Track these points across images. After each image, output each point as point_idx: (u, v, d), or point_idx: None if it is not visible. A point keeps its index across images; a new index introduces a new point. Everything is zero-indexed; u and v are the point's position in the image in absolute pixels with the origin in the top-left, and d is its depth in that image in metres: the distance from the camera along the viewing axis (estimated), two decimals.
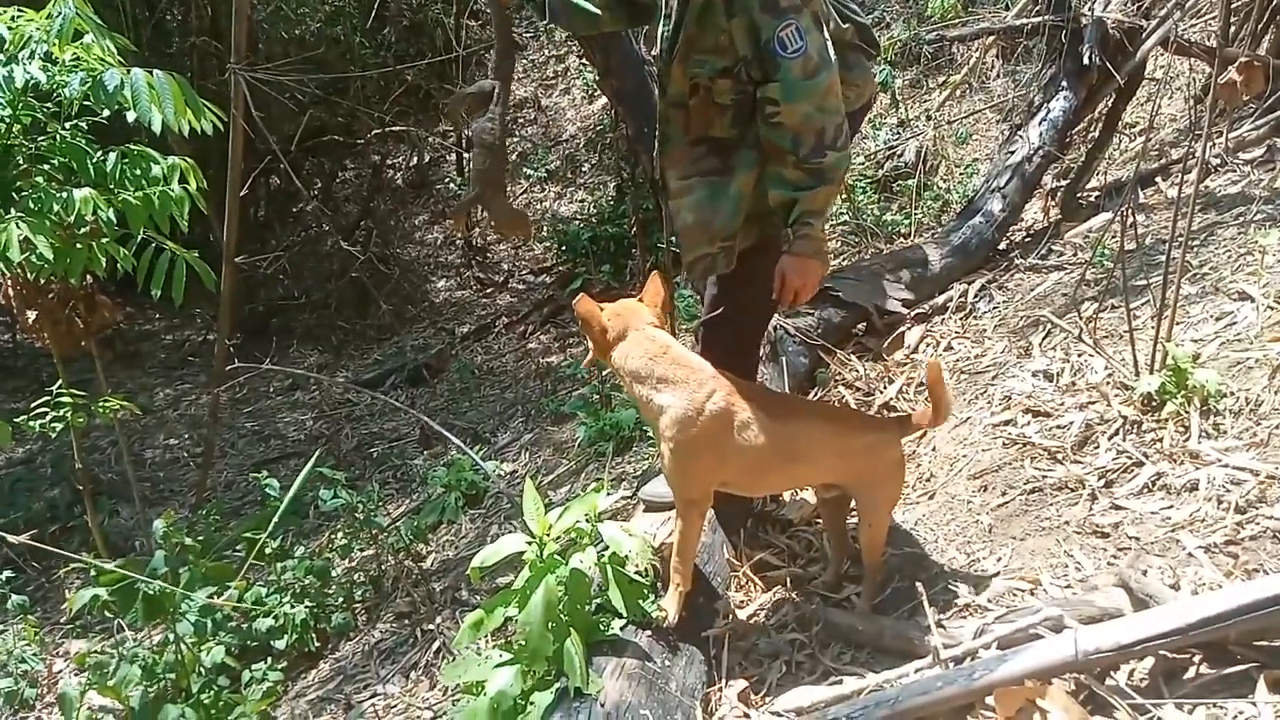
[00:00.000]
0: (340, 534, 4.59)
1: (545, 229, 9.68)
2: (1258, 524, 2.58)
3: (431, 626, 3.94)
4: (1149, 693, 2.13)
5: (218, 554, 4.27)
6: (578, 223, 8.84)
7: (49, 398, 3.87)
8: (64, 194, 3.12)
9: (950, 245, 5.25)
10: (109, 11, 5.97)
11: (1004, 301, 4.76)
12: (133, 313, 9.10)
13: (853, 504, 2.88)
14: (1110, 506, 2.91)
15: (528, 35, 12.31)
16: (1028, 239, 5.60)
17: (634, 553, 2.48)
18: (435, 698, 3.50)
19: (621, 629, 2.54)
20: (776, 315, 4.24)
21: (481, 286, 9.60)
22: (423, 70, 9.27)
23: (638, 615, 2.56)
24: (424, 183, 11.11)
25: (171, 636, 3.27)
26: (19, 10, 3.11)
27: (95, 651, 3.44)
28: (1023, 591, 2.70)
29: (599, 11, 2.74)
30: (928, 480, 3.54)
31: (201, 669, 3.30)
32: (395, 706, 3.58)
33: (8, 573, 4.08)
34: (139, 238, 3.36)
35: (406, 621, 4.10)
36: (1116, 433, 3.20)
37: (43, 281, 3.94)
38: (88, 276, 3.88)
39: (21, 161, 3.28)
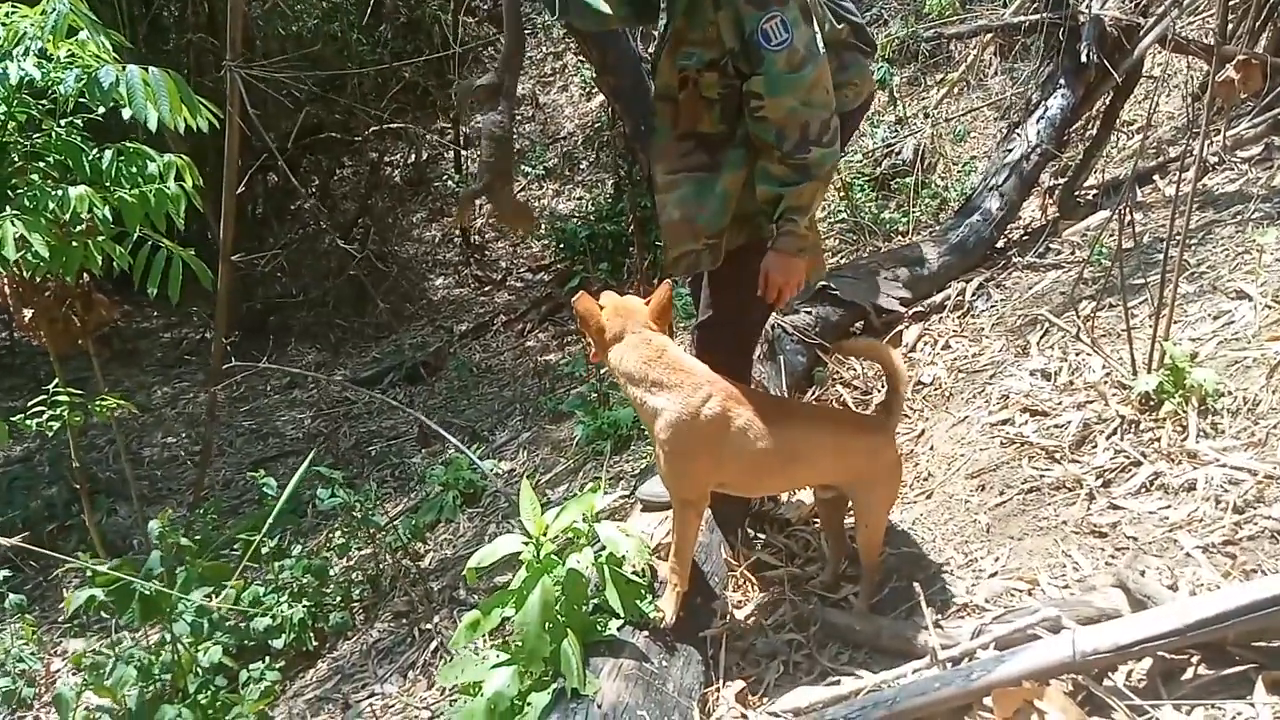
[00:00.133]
0: (338, 533, 4.58)
1: (543, 226, 9.66)
2: (1255, 524, 2.58)
3: (429, 626, 3.94)
4: (1147, 694, 2.13)
5: (215, 553, 4.26)
6: (575, 220, 8.83)
7: (46, 396, 3.86)
8: (59, 192, 3.11)
9: (948, 244, 5.24)
10: (105, 8, 5.95)
11: (1002, 300, 4.76)
12: (130, 311, 9.09)
13: (850, 504, 2.87)
14: (1108, 506, 2.91)
15: (525, 31, 12.29)
16: (1025, 237, 5.59)
17: (631, 553, 2.47)
18: (433, 697, 3.50)
19: (619, 629, 2.54)
20: (774, 314, 4.24)
21: (480, 284, 9.59)
22: (420, 67, 9.25)
23: (635, 615, 2.56)
24: (422, 180, 11.09)
25: (168, 636, 3.26)
26: (13, 6, 3.10)
27: (92, 651, 3.42)
28: (1020, 592, 2.70)
29: (609, 11, 2.72)
30: (925, 479, 3.53)
31: (198, 669, 3.29)
32: (393, 706, 3.58)
33: (5, 572, 4.07)
34: (135, 236, 3.35)
35: (404, 621, 4.10)
36: (1114, 432, 3.20)
37: (39, 280, 3.93)
38: (84, 275, 3.88)
39: (16, 159, 3.27)
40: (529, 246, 9.89)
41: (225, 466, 6.92)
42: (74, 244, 3.29)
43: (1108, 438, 3.19)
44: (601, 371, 4.93)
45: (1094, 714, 2.13)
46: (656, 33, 2.84)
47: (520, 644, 2.36)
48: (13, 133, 3.25)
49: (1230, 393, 3.09)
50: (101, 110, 3.10)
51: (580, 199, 9.95)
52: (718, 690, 2.63)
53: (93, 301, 4.27)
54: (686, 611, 2.67)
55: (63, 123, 3.31)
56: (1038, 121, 5.55)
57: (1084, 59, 5.36)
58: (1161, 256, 3.55)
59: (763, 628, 2.91)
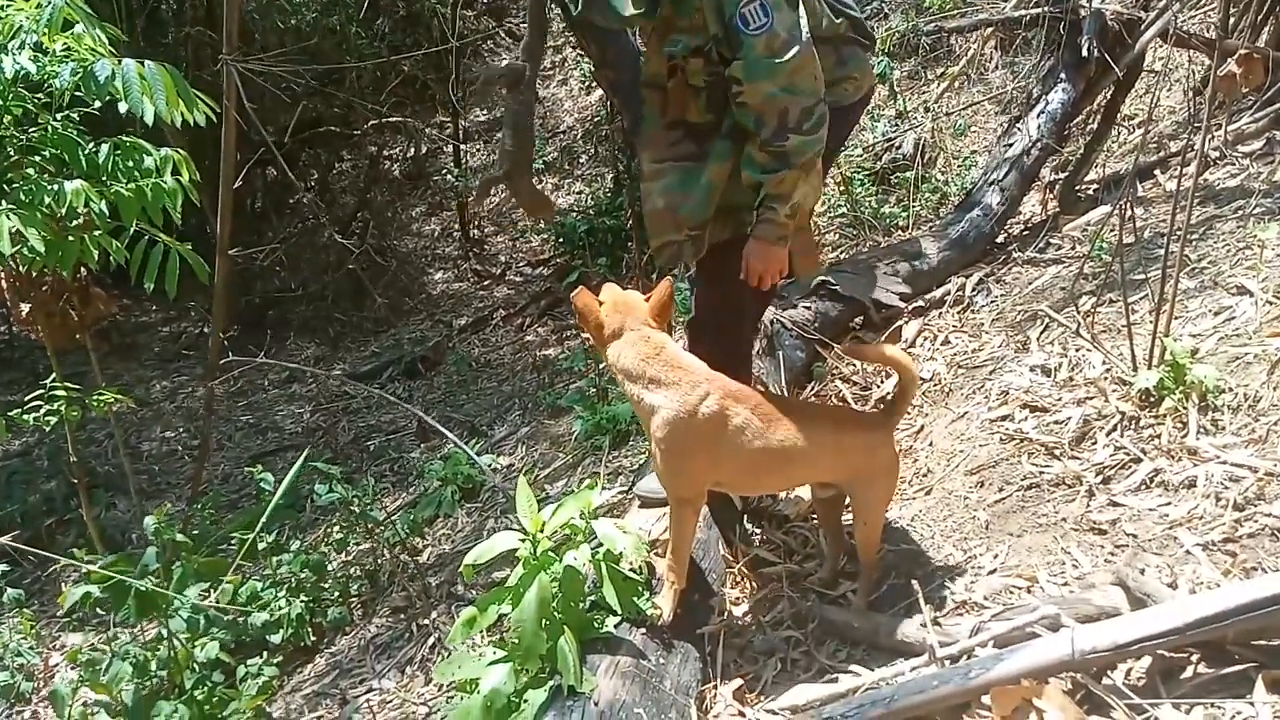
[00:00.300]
0: (336, 528, 4.58)
1: (542, 220, 9.65)
2: (1256, 521, 2.57)
3: (427, 621, 3.94)
4: (1146, 692, 2.12)
5: (212, 548, 4.26)
6: (575, 215, 8.81)
7: (43, 391, 3.86)
8: (55, 186, 3.10)
9: (948, 239, 5.22)
10: (102, 2, 5.92)
11: (1002, 295, 4.74)
12: (129, 305, 9.08)
13: (848, 501, 2.86)
14: (1108, 503, 2.90)
15: (524, 26, 12.25)
16: (1026, 232, 5.58)
17: (628, 550, 2.47)
18: (431, 693, 3.50)
19: (616, 626, 2.53)
20: (772, 310, 4.23)
21: (479, 279, 9.57)
22: (419, 61, 9.22)
23: (632, 612, 2.55)
24: (421, 174, 11.07)
25: (164, 632, 3.25)
26: (8, 0, 3.08)
27: (89, 647, 3.41)
28: (1019, 589, 2.69)
29: (637, 10, 2.69)
30: (924, 476, 3.52)
31: (195, 665, 3.28)
32: (391, 702, 3.58)
33: (3, 566, 4.06)
34: (132, 230, 3.34)
35: (402, 616, 4.10)
36: (1114, 428, 3.18)
37: (36, 274, 3.92)
38: (82, 269, 3.87)
39: (12, 153, 3.26)
40: (528, 241, 9.88)
41: (224, 461, 6.92)
42: (70, 238, 3.29)
43: (1108, 434, 3.18)
44: (600, 366, 4.92)
45: (1093, 713, 2.12)
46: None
47: (517, 641, 2.35)
48: (8, 126, 3.24)
49: (1231, 389, 3.07)
50: (98, 104, 3.08)
51: (580, 193, 9.93)
52: (715, 688, 2.63)
53: (90, 296, 4.27)
54: (684, 608, 2.66)
55: (59, 116, 3.30)
56: (1038, 116, 5.53)
57: (1085, 53, 5.34)
58: (1162, 252, 3.53)
59: (761, 625, 2.91)
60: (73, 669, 3.56)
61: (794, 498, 3.44)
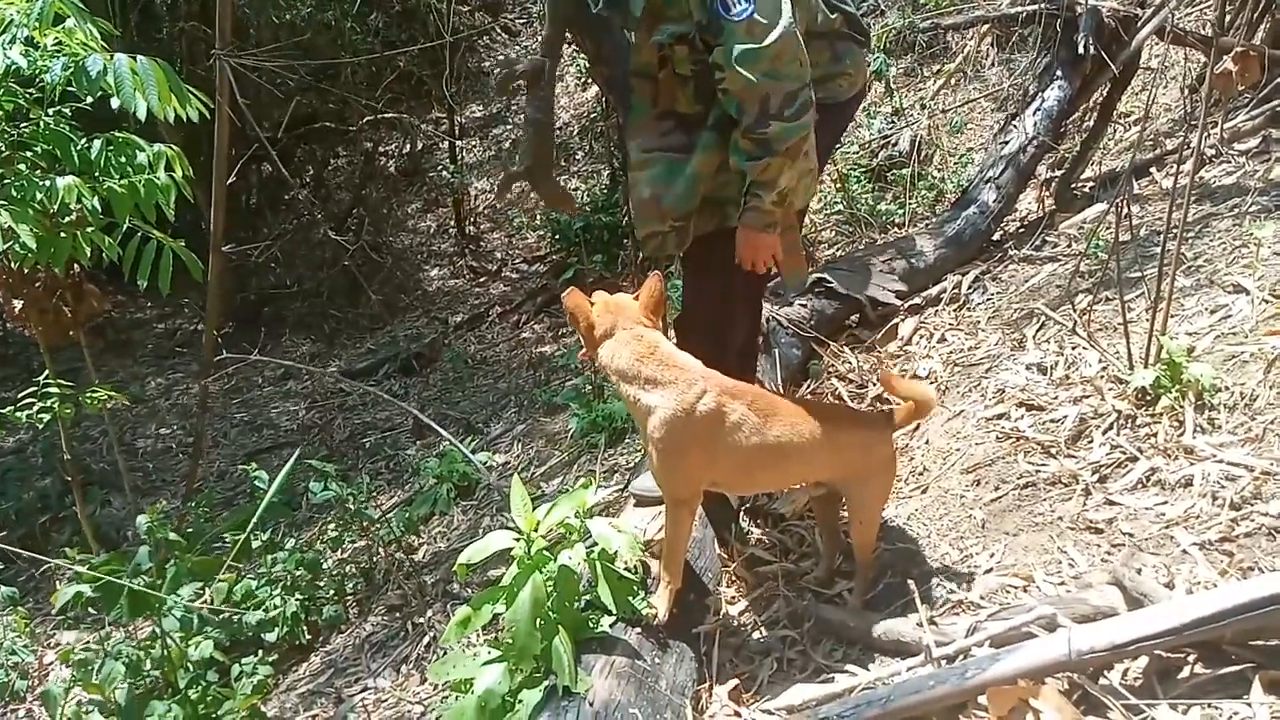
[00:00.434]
0: (332, 526, 4.57)
1: (538, 217, 9.64)
2: (1252, 520, 2.56)
3: (423, 620, 3.93)
4: (1143, 693, 2.12)
5: (207, 546, 4.24)
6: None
7: (36, 388, 3.84)
8: (47, 182, 3.08)
9: (944, 236, 5.22)
10: None
11: (998, 293, 4.73)
12: (124, 301, 9.07)
13: (844, 499, 2.85)
14: (1104, 502, 2.89)
15: (520, 21, 12.24)
16: (1022, 230, 5.57)
17: (623, 549, 2.45)
18: (426, 692, 3.49)
19: (611, 626, 2.52)
20: (767, 307, 4.22)
21: (475, 275, 9.56)
22: (415, 56, 9.19)
23: (627, 612, 2.54)
24: (417, 170, 11.05)
25: (158, 632, 3.24)
26: None
27: (83, 646, 3.39)
28: (1016, 588, 2.68)
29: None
30: (920, 474, 3.51)
31: (189, 664, 3.27)
32: (386, 700, 3.57)
33: None
34: (125, 226, 3.32)
35: (398, 614, 4.09)
36: (1110, 427, 3.17)
37: (28, 271, 3.90)
38: (75, 266, 3.85)
39: (3, 149, 3.24)
40: (524, 237, 9.87)
41: (219, 458, 6.91)
42: (62, 235, 3.27)
43: (1104, 433, 3.17)
44: (596, 364, 4.91)
45: (1089, 713, 2.11)
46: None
47: (511, 641, 2.34)
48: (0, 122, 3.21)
49: (1227, 388, 3.06)
50: (90, 100, 3.06)
51: (575, 190, 9.91)
52: (710, 688, 2.62)
53: (83, 293, 4.25)
54: (679, 608, 2.65)
55: (50, 112, 3.28)
56: (1035, 113, 5.53)
57: (1081, 50, 5.34)
58: (1158, 250, 3.52)
59: (756, 624, 2.90)
60: (66, 668, 3.55)
61: (790, 496, 3.43)
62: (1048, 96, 5.56)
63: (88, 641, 3.58)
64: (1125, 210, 3.45)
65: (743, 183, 2.66)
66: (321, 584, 4.23)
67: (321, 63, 7.73)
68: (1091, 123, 5.94)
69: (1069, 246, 4.96)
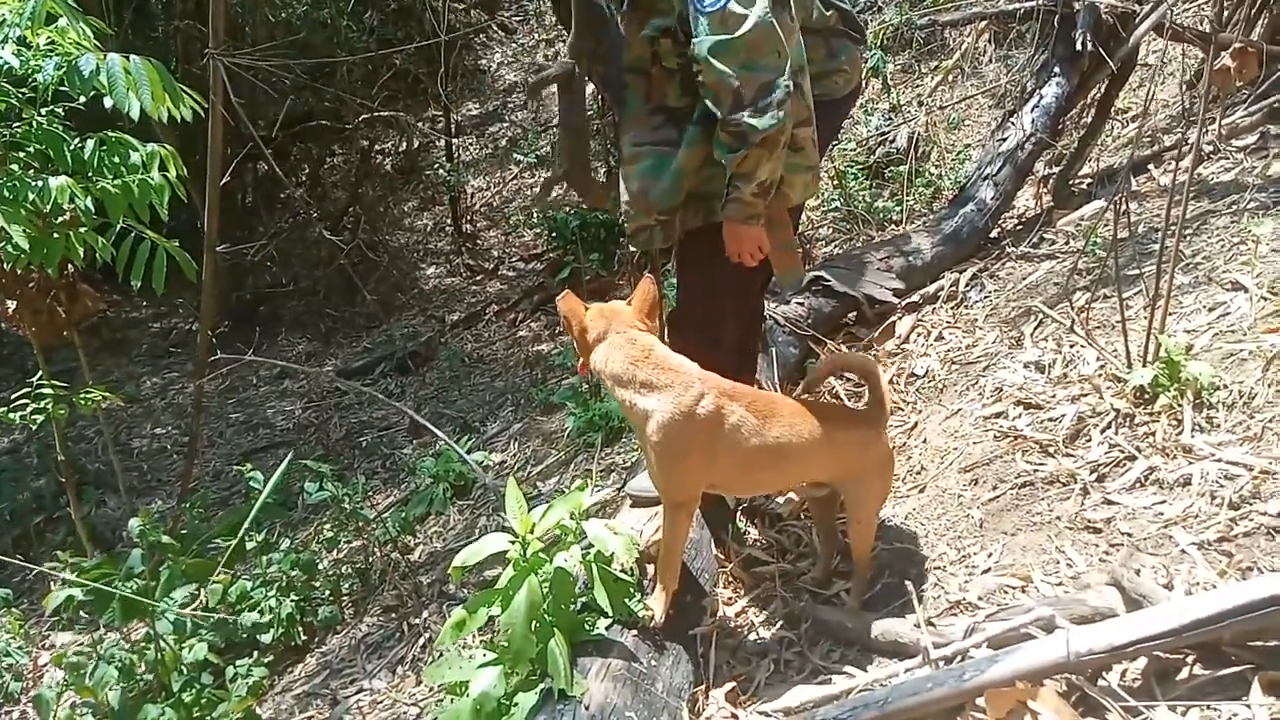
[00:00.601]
0: (327, 526, 4.55)
1: (535, 215, 9.62)
2: (1251, 520, 2.54)
3: (418, 621, 3.91)
4: (1141, 694, 2.10)
5: (203, 546, 4.23)
6: (567, 209, 8.77)
7: (29, 389, 3.82)
8: (40, 182, 3.06)
9: (942, 233, 5.21)
10: None
11: (995, 291, 4.72)
12: (119, 300, 9.04)
13: (842, 499, 2.84)
14: (1102, 501, 2.87)
15: (516, 19, 12.22)
16: (1019, 227, 5.56)
17: (619, 551, 2.44)
18: (422, 693, 3.47)
19: (607, 628, 2.51)
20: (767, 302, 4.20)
21: (471, 273, 9.54)
22: (411, 54, 9.17)
23: (623, 614, 2.53)
24: (413, 168, 11.02)
25: (151, 634, 3.22)
26: None
27: (75, 650, 3.38)
28: (1014, 589, 2.67)
29: None
30: (918, 473, 3.50)
31: (183, 667, 3.25)
32: (381, 702, 3.55)
33: None
34: (118, 227, 3.31)
35: (393, 615, 4.07)
36: (1109, 426, 3.16)
37: (21, 271, 3.88)
38: (69, 265, 3.83)
39: None
40: (521, 236, 9.85)
41: (215, 457, 6.89)
42: (55, 236, 3.25)
43: (1102, 431, 3.15)
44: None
45: (1088, 715, 2.10)
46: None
47: (507, 644, 2.33)
48: None
49: (1226, 386, 3.05)
50: (83, 99, 3.04)
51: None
52: (707, 690, 2.61)
53: (77, 293, 4.22)
54: (676, 609, 2.64)
55: (43, 112, 3.25)
56: (1032, 110, 5.52)
57: (1079, 47, 5.32)
58: (1156, 247, 3.51)
59: (753, 625, 2.89)
60: (60, 670, 3.53)
61: (786, 496, 3.42)
62: (1045, 93, 5.55)
63: (82, 642, 3.57)
64: (1123, 207, 3.44)
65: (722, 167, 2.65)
66: (317, 585, 4.21)
67: (318, 61, 7.71)
68: (1089, 119, 5.93)
69: (1067, 244, 4.95)
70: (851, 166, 6.88)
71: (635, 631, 2.54)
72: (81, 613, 3.34)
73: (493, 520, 4.54)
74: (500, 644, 2.41)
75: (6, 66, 2.98)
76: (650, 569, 2.72)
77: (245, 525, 3.40)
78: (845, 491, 2.76)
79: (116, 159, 3.22)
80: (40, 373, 3.86)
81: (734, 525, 3.28)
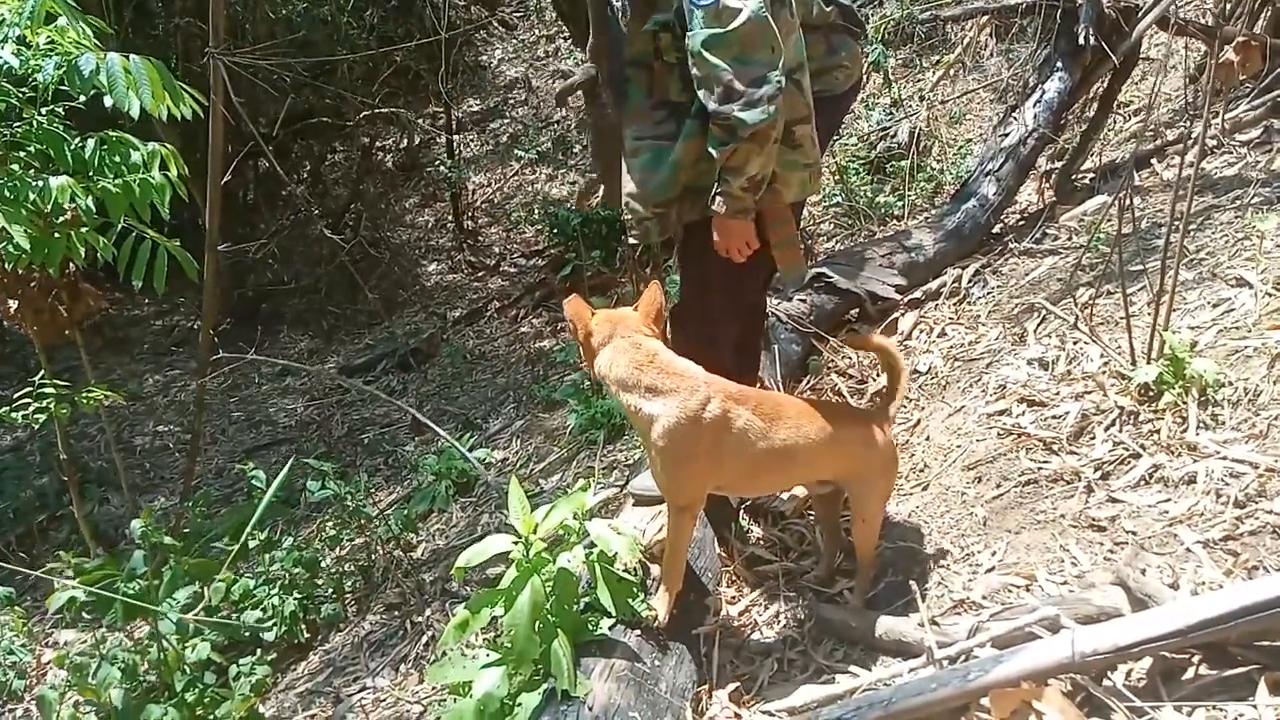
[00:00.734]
0: (330, 524, 4.55)
1: (536, 211, 9.61)
2: (1257, 519, 2.54)
3: (421, 619, 3.91)
4: (1147, 694, 2.10)
5: (205, 544, 4.22)
6: (569, 206, 8.76)
7: (31, 388, 3.81)
8: (41, 182, 3.05)
9: (944, 229, 5.19)
10: None
11: (998, 287, 4.71)
12: (121, 298, 9.05)
13: (846, 497, 2.83)
14: (1107, 499, 2.86)
15: (517, 15, 12.20)
16: (1022, 222, 5.54)
17: (622, 551, 2.43)
18: (425, 691, 3.46)
19: (610, 629, 2.50)
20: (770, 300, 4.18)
21: (473, 270, 9.53)
22: (411, 51, 9.15)
23: (627, 614, 2.52)
24: (414, 165, 11.02)
25: (154, 634, 3.22)
26: None
27: (78, 650, 3.38)
28: (1018, 588, 2.66)
29: None
30: (921, 471, 3.49)
31: (186, 666, 3.25)
32: (384, 700, 3.55)
33: None
34: (119, 226, 3.30)
35: (396, 613, 4.07)
36: (1113, 423, 3.15)
37: (23, 271, 3.87)
38: (70, 265, 3.82)
39: None
40: (522, 232, 9.84)
41: (218, 455, 6.89)
42: (56, 235, 3.24)
43: (1106, 429, 3.14)
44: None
45: (1093, 715, 2.09)
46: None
47: (510, 644, 2.32)
48: None
49: (1230, 383, 3.04)
50: (83, 99, 3.04)
51: (574, 184, 9.88)
52: (711, 690, 2.60)
53: (79, 292, 4.22)
54: (679, 608, 2.63)
55: (43, 111, 3.24)
56: (1035, 105, 5.49)
57: (1081, 41, 5.30)
58: (1160, 242, 3.50)
59: (756, 625, 2.88)
60: (63, 668, 3.53)
61: (790, 494, 3.41)
62: (1048, 88, 5.52)
63: (84, 642, 3.57)
64: (1127, 202, 3.42)
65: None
66: (319, 582, 4.21)
67: (318, 59, 7.70)
68: (1092, 114, 5.90)
69: (1070, 239, 4.94)
70: (853, 162, 6.87)
71: (638, 631, 2.54)
72: (84, 614, 3.32)
73: (495, 517, 4.54)
74: (503, 644, 2.41)
75: (6, 66, 2.97)
76: (654, 569, 2.71)
77: (249, 525, 3.38)
78: (850, 490, 2.76)
79: (117, 158, 3.21)
80: (42, 371, 3.86)
81: (737, 524, 3.28)
